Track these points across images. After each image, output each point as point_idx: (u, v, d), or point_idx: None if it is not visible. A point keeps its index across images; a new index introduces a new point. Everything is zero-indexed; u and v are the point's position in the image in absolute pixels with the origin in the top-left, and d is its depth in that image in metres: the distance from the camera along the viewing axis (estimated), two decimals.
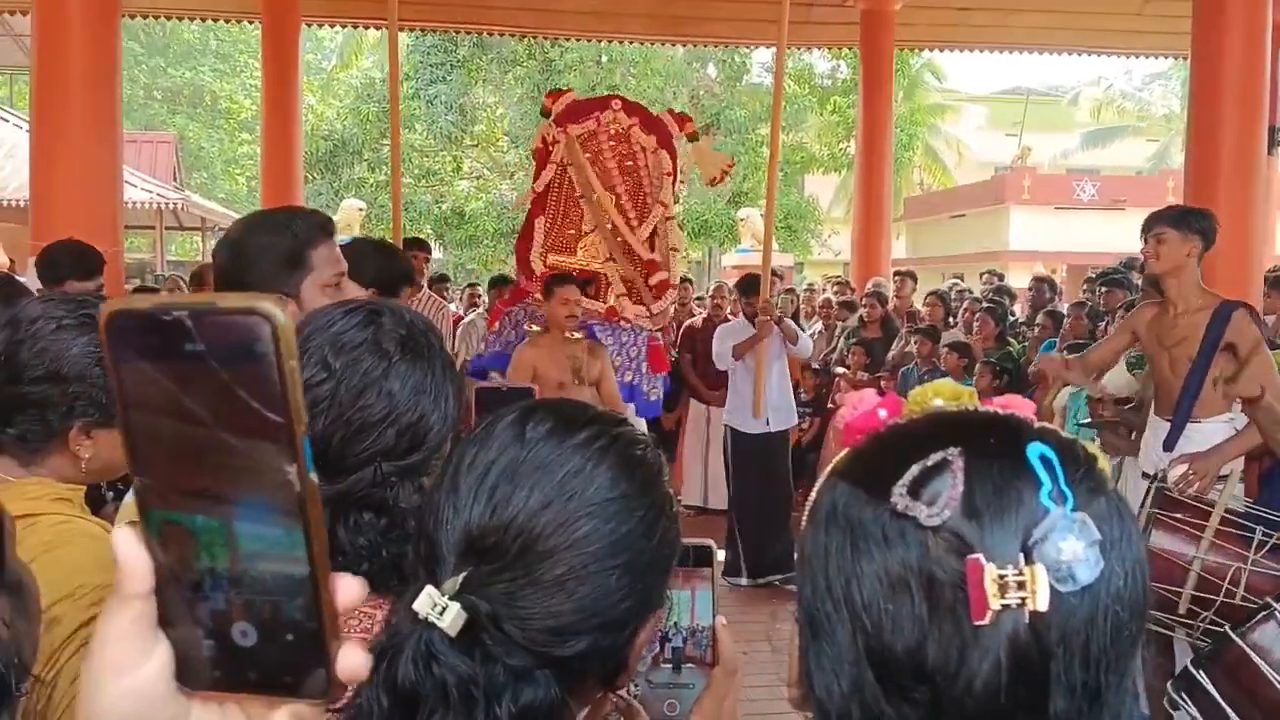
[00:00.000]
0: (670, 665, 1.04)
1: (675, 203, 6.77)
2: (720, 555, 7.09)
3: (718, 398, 8.29)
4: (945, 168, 28.92)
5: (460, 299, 12.25)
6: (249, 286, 1.88)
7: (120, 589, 0.50)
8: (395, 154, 6.42)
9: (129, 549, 0.49)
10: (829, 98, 22.62)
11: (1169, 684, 2.62)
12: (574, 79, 19.97)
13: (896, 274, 9.69)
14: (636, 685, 1.03)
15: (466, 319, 8.64)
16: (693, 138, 6.74)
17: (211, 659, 0.50)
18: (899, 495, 0.69)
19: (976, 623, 0.66)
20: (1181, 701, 2.56)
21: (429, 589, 0.83)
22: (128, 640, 0.50)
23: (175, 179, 18.49)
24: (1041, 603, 0.65)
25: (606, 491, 0.88)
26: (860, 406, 0.80)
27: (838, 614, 0.71)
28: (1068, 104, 34.45)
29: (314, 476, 0.48)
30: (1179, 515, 3.37)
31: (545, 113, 6.67)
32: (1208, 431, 4.12)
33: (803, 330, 7.68)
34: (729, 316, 8.80)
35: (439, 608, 0.82)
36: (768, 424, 6.81)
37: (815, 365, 8.74)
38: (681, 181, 6.69)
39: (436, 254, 23.41)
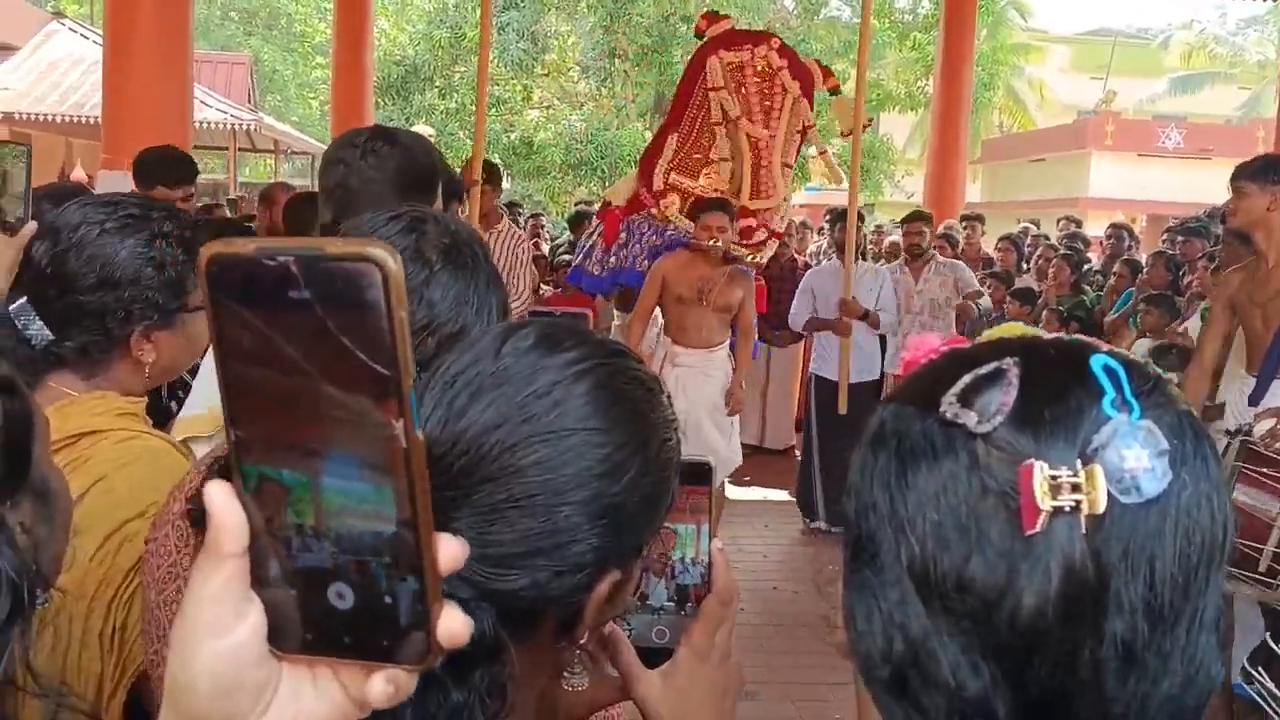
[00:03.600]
0: (675, 602, 0.97)
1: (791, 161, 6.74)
2: (783, 496, 7.20)
3: (779, 337, 8.24)
4: (1026, 110, 28.24)
5: (525, 227, 12.24)
6: (385, 198, 1.86)
7: (213, 547, 0.48)
8: (482, 78, 6.37)
9: (224, 505, 0.47)
10: (909, 34, 22.05)
11: (1245, 658, 2.53)
12: (646, 8, 19.70)
13: (964, 218, 9.47)
14: (630, 625, 0.96)
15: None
16: (834, 91, 6.76)
17: (304, 620, 0.48)
18: (948, 404, 0.64)
19: (1028, 533, 0.60)
20: (1257, 676, 2.46)
21: None
22: (221, 601, 0.48)
23: (249, 100, 18.62)
24: (1099, 505, 0.59)
25: (570, 420, 0.80)
26: (921, 347, 0.75)
27: (882, 532, 0.66)
28: (1157, 47, 33.34)
29: (420, 433, 0.46)
30: (1265, 470, 3.27)
31: (699, 34, 6.65)
32: None
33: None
34: (794, 254, 8.70)
35: None
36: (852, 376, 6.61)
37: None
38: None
39: (504, 183, 23.42)
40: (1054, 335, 0.70)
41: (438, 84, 21.54)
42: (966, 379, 0.65)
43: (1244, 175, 4.19)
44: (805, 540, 6.61)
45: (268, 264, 0.44)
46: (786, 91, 6.46)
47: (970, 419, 0.63)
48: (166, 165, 4.27)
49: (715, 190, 6.40)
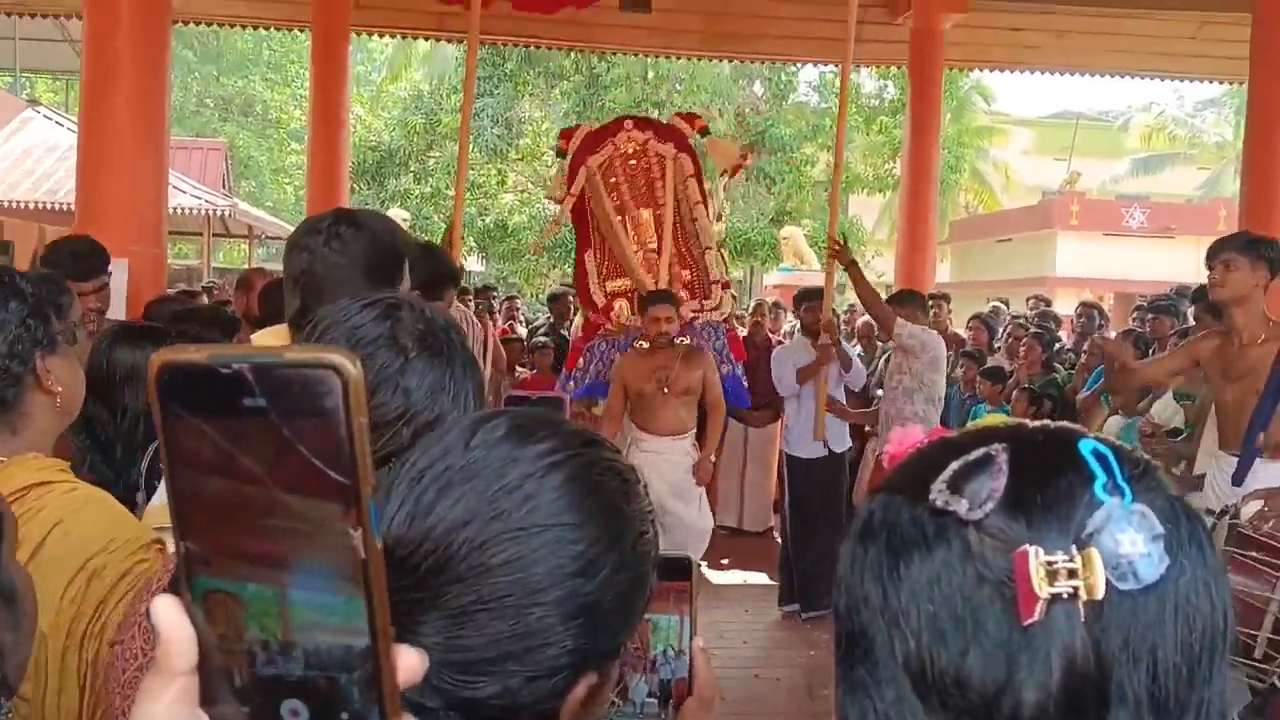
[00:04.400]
0: (657, 699, 0.94)
1: (707, 200, 6.84)
2: (763, 580, 7.14)
3: (756, 418, 8.25)
4: (992, 191, 28.71)
5: (499, 310, 12.27)
6: (352, 283, 1.86)
7: (162, 665, 0.46)
8: (461, 164, 6.61)
9: (171, 621, 0.45)
10: (875, 118, 22.49)
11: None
12: (620, 94, 20.03)
13: (930, 297, 9.57)
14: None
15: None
16: (704, 132, 6.87)
17: None
18: (938, 491, 0.63)
19: (1025, 622, 0.58)
20: None
21: None
22: None
23: (224, 186, 18.70)
24: (1098, 590, 0.58)
25: (542, 515, 0.76)
26: (905, 440, 0.74)
27: (875, 627, 0.65)
28: (1118, 129, 34.12)
29: (379, 542, 0.44)
30: (1254, 554, 3.25)
31: (561, 153, 6.83)
32: (1277, 468, 4.01)
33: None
34: (768, 334, 8.74)
35: None
36: (826, 447, 6.67)
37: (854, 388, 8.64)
38: (726, 182, 6.84)
39: (478, 266, 23.53)
40: (1040, 423, 0.69)
41: (413, 169, 21.73)
42: (955, 466, 0.64)
43: (1233, 248, 4.19)
44: (786, 625, 6.53)
45: (222, 371, 0.43)
46: (663, 157, 6.62)
47: (961, 506, 0.62)
48: (74, 259, 4.12)
49: (651, 277, 6.53)
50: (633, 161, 6.63)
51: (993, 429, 0.68)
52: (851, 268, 6.27)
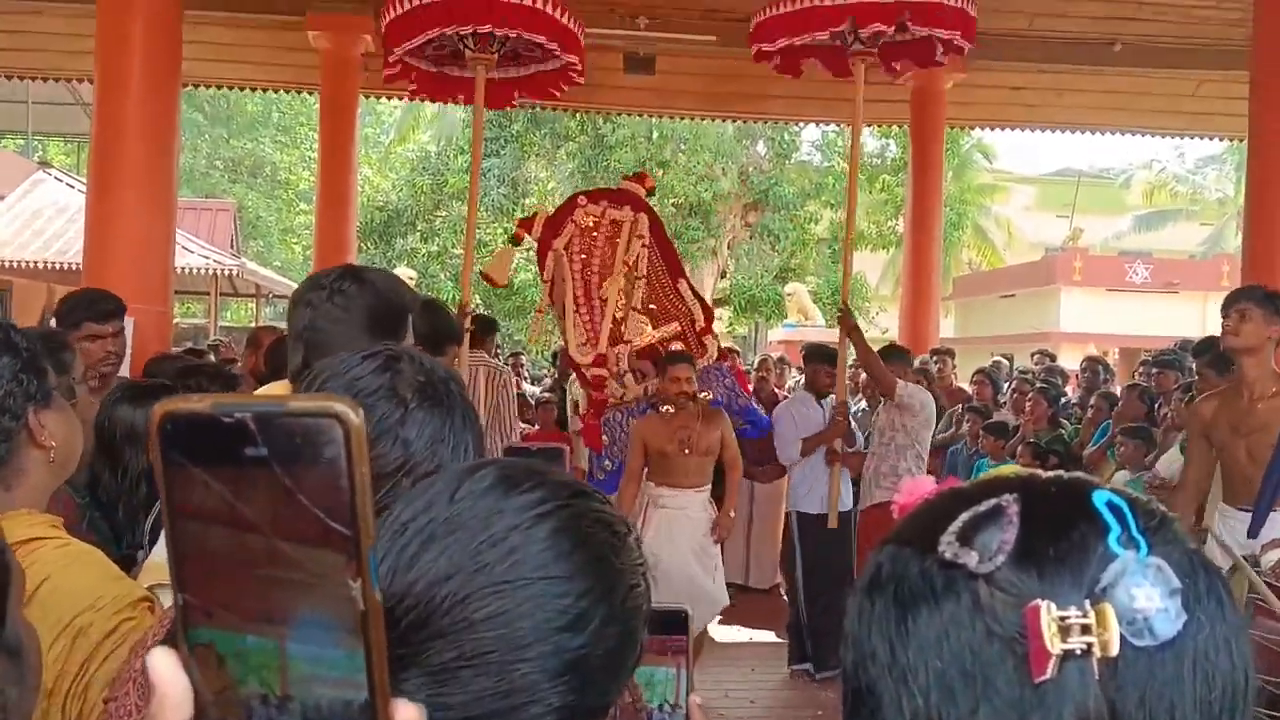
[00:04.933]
0: None
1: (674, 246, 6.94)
2: (770, 638, 7.06)
3: (762, 473, 8.21)
4: (995, 247, 28.84)
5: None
6: (353, 339, 1.85)
7: (158, 717, 0.45)
8: (470, 226, 6.75)
9: (167, 673, 0.45)
10: (878, 176, 22.68)
11: None
12: (624, 155, 20.22)
13: (934, 352, 9.57)
14: None
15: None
16: (651, 192, 6.93)
17: None
18: (947, 543, 0.61)
19: (1037, 680, 0.56)
20: None
21: None
22: None
23: (232, 246, 18.84)
24: (1113, 647, 0.55)
25: (528, 568, 0.73)
26: (915, 491, 0.72)
27: (883, 684, 0.62)
28: (1119, 187, 34.35)
29: (379, 594, 0.44)
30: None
31: (517, 241, 6.90)
32: None
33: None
34: (774, 390, 8.73)
35: None
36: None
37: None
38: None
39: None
40: (1052, 473, 0.67)
41: (419, 228, 21.91)
42: (965, 517, 0.62)
43: (1248, 299, 4.19)
44: (793, 684, 6.44)
45: (224, 420, 0.43)
46: (621, 222, 6.66)
47: (971, 559, 0.60)
48: (91, 303, 4.11)
49: (644, 335, 6.60)
50: (594, 234, 6.67)
51: (1003, 479, 0.66)
52: (854, 332, 6.33)
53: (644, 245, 6.61)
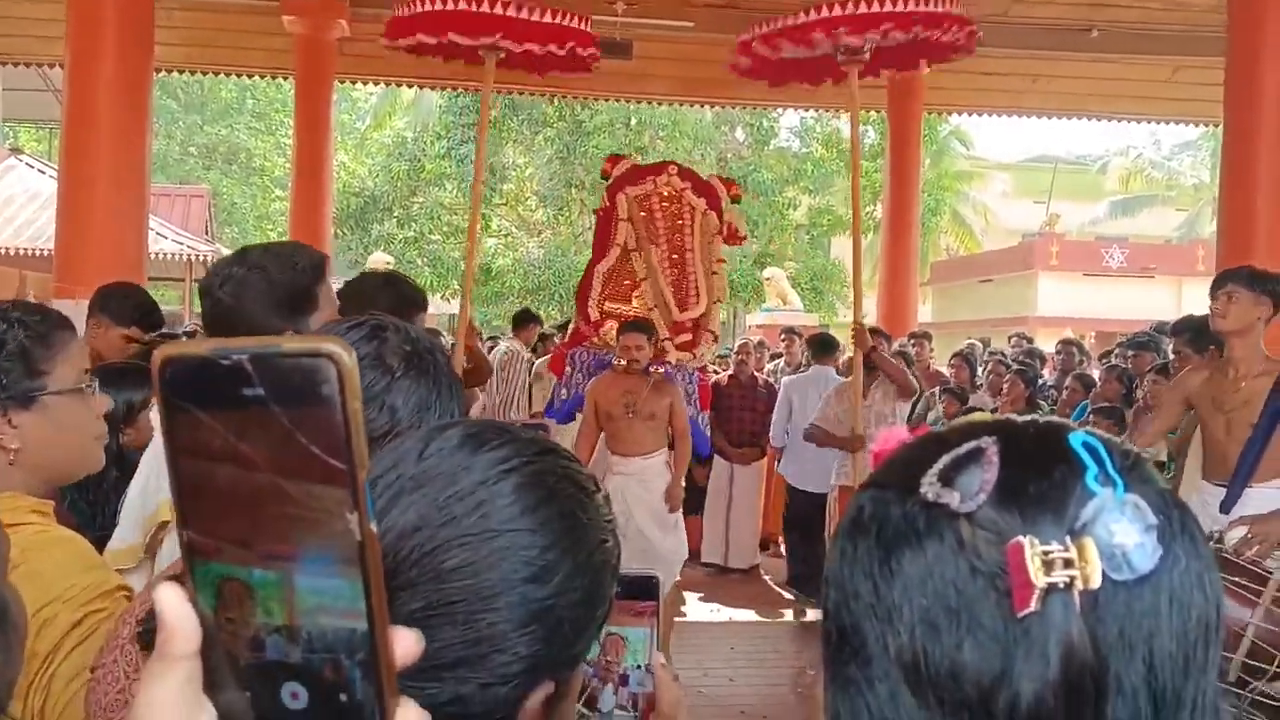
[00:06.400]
0: (626, 711, 0.93)
1: (721, 260, 7.32)
2: (751, 616, 7.24)
3: (741, 455, 8.30)
4: (972, 233, 28.97)
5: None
6: (255, 324, 1.84)
7: (165, 650, 0.46)
8: (475, 210, 6.95)
9: (175, 607, 0.46)
10: None
11: None
12: (603, 140, 20.19)
13: (912, 335, 9.63)
14: None
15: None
16: (735, 200, 7.31)
17: None
18: (929, 485, 0.63)
19: (1021, 613, 0.58)
20: None
21: None
22: (173, 706, 0.46)
23: (207, 232, 18.71)
24: (1095, 579, 0.57)
25: (494, 521, 0.75)
26: (892, 438, 0.74)
27: (867, 624, 0.64)
28: (1096, 173, 34.51)
29: (374, 525, 0.46)
30: (1236, 579, 3.27)
31: (605, 175, 7.27)
32: (1269, 495, 4.02)
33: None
34: (754, 373, 8.79)
35: None
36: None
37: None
38: (740, 238, 7.36)
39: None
40: (1028, 417, 0.69)
41: (396, 214, 21.82)
42: (945, 459, 0.63)
43: (1235, 280, 4.24)
44: (774, 662, 6.49)
45: (221, 363, 0.44)
46: (693, 208, 7.04)
47: (953, 499, 0.62)
48: (147, 309, 4.02)
49: (648, 310, 6.93)
50: (666, 203, 7.05)
51: (980, 423, 0.68)
52: (873, 353, 6.49)
53: (708, 241, 7.04)
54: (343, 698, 0.46)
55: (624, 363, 5.90)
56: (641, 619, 0.93)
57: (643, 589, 0.94)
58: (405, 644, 0.48)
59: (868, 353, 6.33)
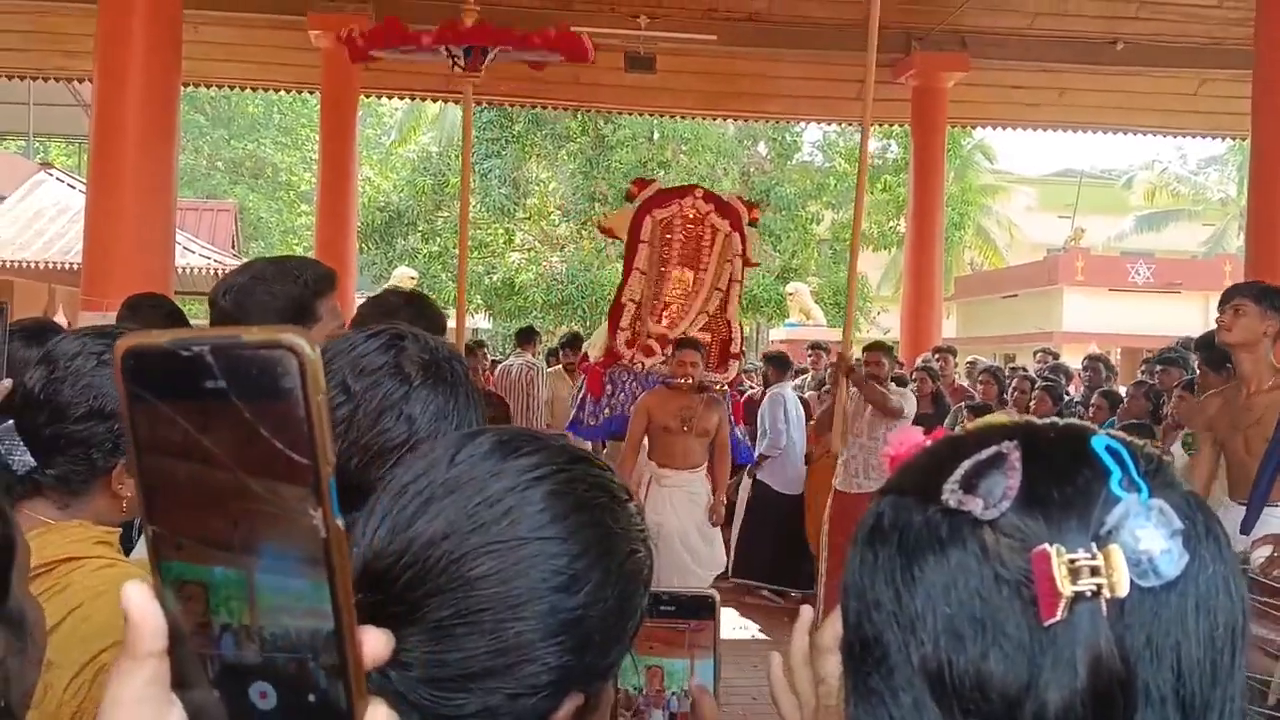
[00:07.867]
0: None
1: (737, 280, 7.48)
2: (757, 634, 7.24)
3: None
4: (997, 248, 28.83)
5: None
6: None
7: (132, 648, 0.46)
8: (463, 224, 7.05)
9: (141, 605, 0.46)
10: (879, 176, 22.68)
11: None
12: (625, 154, 20.22)
13: (935, 350, 9.59)
14: None
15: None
16: (754, 224, 7.53)
17: None
18: (950, 491, 0.62)
19: (1047, 622, 0.57)
20: None
21: None
22: (141, 704, 0.46)
23: (234, 247, 18.85)
24: (1122, 587, 0.56)
25: (523, 529, 0.74)
26: (907, 441, 0.73)
27: (889, 633, 0.63)
28: (1121, 187, 34.31)
29: (340, 522, 0.44)
30: (1265, 599, 3.21)
31: (630, 198, 7.47)
32: None
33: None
34: None
35: None
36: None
37: None
38: (754, 263, 7.60)
39: (485, 324, 23.63)
40: (1048, 420, 0.67)
41: (420, 229, 21.90)
42: (967, 465, 0.62)
43: (1243, 294, 4.21)
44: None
45: (183, 354, 0.43)
46: (716, 230, 7.25)
47: (976, 505, 0.60)
48: (177, 319, 3.81)
49: (673, 329, 7.13)
50: (690, 226, 7.25)
51: (1000, 426, 0.67)
52: (861, 384, 6.61)
53: (729, 262, 7.26)
54: (311, 698, 0.45)
55: (679, 380, 6.12)
56: (682, 650, 0.93)
57: (701, 608, 0.94)
58: (374, 644, 0.47)
59: (847, 375, 6.47)
